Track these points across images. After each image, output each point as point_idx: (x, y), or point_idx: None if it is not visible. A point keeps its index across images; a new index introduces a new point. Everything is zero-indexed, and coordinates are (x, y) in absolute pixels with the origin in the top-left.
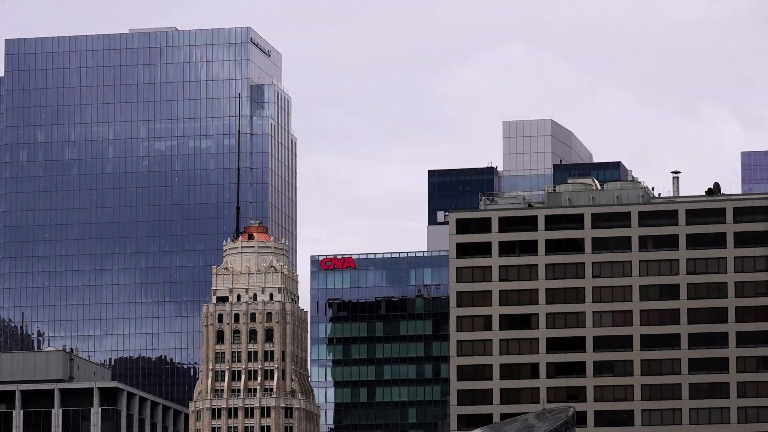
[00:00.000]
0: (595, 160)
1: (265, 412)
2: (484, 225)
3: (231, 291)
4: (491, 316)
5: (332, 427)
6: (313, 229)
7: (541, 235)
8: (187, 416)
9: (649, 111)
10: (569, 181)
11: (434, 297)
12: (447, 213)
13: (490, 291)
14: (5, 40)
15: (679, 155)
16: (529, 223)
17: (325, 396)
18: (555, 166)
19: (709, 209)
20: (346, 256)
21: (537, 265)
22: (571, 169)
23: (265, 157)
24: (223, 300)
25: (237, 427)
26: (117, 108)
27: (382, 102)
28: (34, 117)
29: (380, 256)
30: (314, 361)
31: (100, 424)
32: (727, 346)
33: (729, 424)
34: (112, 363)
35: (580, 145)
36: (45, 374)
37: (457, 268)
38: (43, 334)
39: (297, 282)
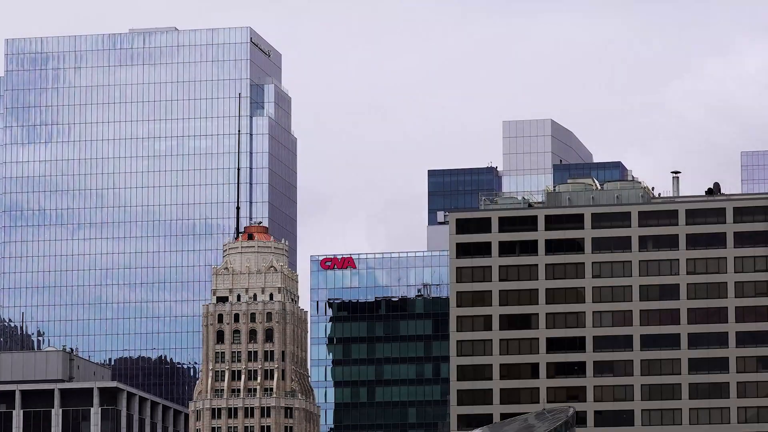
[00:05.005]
0: (595, 160)
1: (265, 412)
2: (484, 225)
3: (231, 291)
4: (491, 316)
5: (332, 427)
6: (313, 229)
7: (541, 235)
8: (187, 416)
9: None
10: (569, 181)
11: (434, 297)
12: (447, 213)
13: (490, 291)
14: (5, 40)
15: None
16: (529, 223)
17: (325, 396)
18: (555, 166)
19: (709, 209)
20: (346, 256)
21: (537, 265)
22: (571, 169)
23: (265, 157)
24: (223, 300)
25: (237, 427)
26: (117, 108)
27: (383, 102)
28: (34, 117)
29: (380, 256)
30: (314, 361)
31: (100, 424)
32: (727, 346)
33: (729, 424)
34: (112, 363)
35: (580, 145)
36: (45, 374)
37: (457, 268)
38: (43, 334)
39: (297, 282)
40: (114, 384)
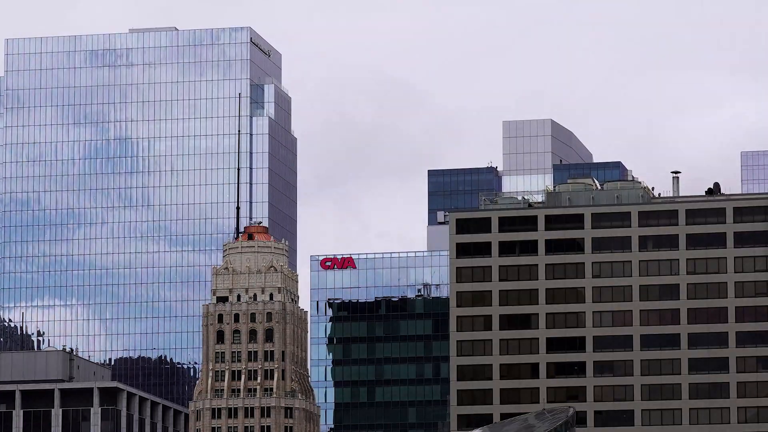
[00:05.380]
0: (595, 160)
1: (265, 412)
2: (484, 225)
3: (231, 291)
4: (491, 316)
5: (332, 427)
6: (313, 229)
7: (541, 235)
8: (187, 416)
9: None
10: (569, 181)
11: (434, 297)
12: (447, 213)
13: (490, 291)
14: (5, 40)
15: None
16: (529, 223)
17: (325, 396)
18: (555, 166)
19: (709, 209)
20: (346, 256)
21: (537, 265)
22: (571, 169)
23: (265, 157)
24: (223, 300)
25: (237, 427)
26: (117, 108)
27: (383, 101)
28: (34, 117)
29: (380, 256)
30: (314, 361)
31: (100, 424)
32: (727, 346)
33: (729, 424)
34: (112, 363)
35: (580, 145)
36: (45, 374)
37: (457, 268)
38: (43, 334)
39: (297, 282)
40: (114, 384)
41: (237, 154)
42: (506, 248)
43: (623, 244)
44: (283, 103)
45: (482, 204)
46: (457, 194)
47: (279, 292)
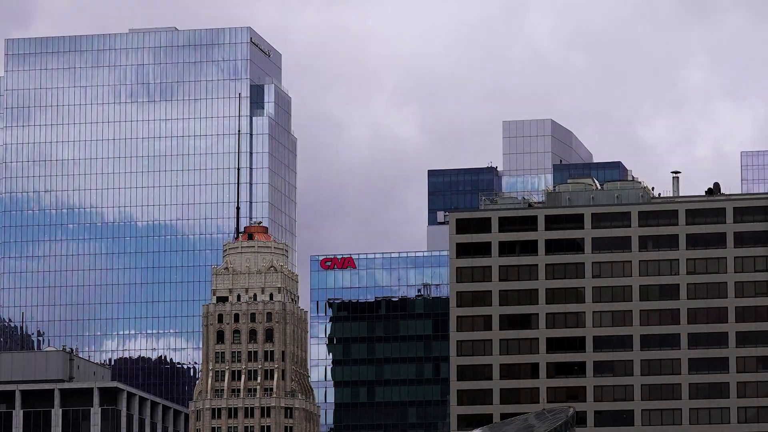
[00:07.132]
0: (595, 160)
1: (265, 412)
2: (484, 225)
3: (231, 291)
4: (491, 316)
5: (332, 427)
6: (313, 229)
7: (541, 235)
8: (187, 416)
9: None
10: (569, 181)
11: (434, 297)
12: (447, 213)
13: (490, 291)
14: (5, 40)
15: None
16: (529, 223)
17: (325, 396)
18: (555, 166)
19: (709, 209)
20: (346, 256)
21: (537, 265)
22: (571, 169)
23: (265, 157)
24: (223, 300)
25: (237, 427)
26: (117, 108)
27: (382, 101)
28: (34, 117)
29: (380, 256)
30: (314, 361)
31: (100, 424)
32: (727, 346)
33: (729, 424)
34: (112, 363)
35: (580, 145)
36: (45, 374)
37: (457, 268)
38: (43, 334)
39: (297, 282)
40: (114, 384)
41: (237, 154)
42: (506, 248)
43: (623, 244)
44: (283, 103)
45: (482, 204)
46: (457, 194)
47: (279, 292)
